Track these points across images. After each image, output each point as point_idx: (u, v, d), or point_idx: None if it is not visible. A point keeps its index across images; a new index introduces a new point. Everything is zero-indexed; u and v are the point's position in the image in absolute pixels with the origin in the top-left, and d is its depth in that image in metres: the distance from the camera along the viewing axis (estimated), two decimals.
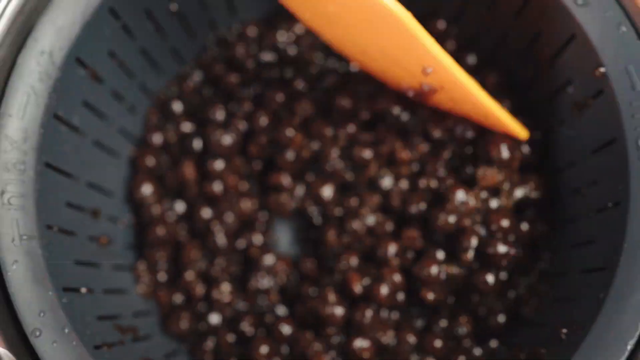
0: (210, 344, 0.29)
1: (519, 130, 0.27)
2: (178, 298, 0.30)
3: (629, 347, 0.20)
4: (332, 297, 0.28)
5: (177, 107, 0.31)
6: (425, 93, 0.27)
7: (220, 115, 0.31)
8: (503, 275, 0.28)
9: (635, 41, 0.23)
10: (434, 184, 0.28)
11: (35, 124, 0.23)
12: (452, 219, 0.27)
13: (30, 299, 0.22)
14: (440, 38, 0.31)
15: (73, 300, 0.23)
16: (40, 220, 0.23)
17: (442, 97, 0.27)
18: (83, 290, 0.24)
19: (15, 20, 0.23)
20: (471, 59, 0.30)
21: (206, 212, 0.30)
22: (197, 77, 0.31)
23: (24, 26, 0.23)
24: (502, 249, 0.27)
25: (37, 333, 0.21)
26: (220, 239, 0.30)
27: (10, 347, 0.20)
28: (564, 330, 0.23)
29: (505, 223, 0.27)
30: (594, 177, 0.25)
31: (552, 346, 0.23)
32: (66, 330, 0.22)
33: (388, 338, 0.28)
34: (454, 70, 0.25)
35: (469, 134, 0.28)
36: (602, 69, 0.24)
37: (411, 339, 0.28)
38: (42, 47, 0.23)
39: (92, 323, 0.23)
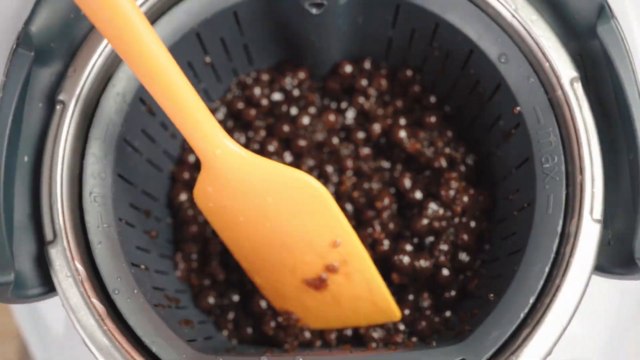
0: (230, 315, 0.38)
1: (395, 310, 0.35)
2: (206, 281, 0.39)
3: (531, 301, 0.29)
4: None
5: None
6: (324, 277, 0.33)
7: (240, 139, 0.40)
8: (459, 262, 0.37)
9: (539, 88, 0.32)
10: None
11: (112, 145, 0.32)
12: (425, 221, 0.36)
13: (110, 268, 0.30)
14: (409, 83, 0.40)
15: (137, 272, 0.31)
16: (114, 214, 0.31)
17: (339, 278, 0.33)
18: (142, 267, 0.33)
19: (100, 71, 0.32)
20: (432, 99, 0.39)
21: None
22: (222, 111, 0.41)
23: (106, 75, 0.32)
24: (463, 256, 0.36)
25: (117, 292, 0.30)
26: None
27: (100, 301, 0.29)
28: (491, 295, 0.31)
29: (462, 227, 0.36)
30: (517, 187, 0.34)
31: (483, 307, 0.32)
32: (135, 291, 0.30)
33: None
34: (357, 242, 0.32)
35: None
36: (518, 108, 0.33)
37: None
38: (117, 90, 0.32)
39: (150, 290, 0.32)
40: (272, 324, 0.36)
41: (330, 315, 0.34)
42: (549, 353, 0.28)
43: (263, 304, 0.37)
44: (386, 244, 0.37)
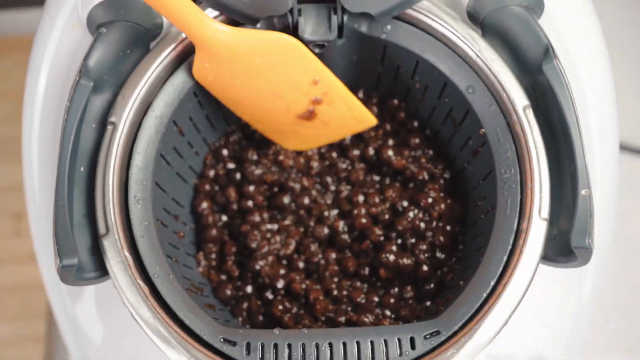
0: (244, 305, 0.45)
1: (371, 117, 0.43)
2: (223, 276, 0.46)
3: (492, 284, 0.35)
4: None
5: (225, 152, 0.47)
6: (312, 108, 0.41)
7: (253, 156, 0.47)
8: (435, 262, 0.44)
9: (499, 114, 0.39)
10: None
11: (151, 158, 0.39)
12: (406, 222, 0.43)
13: (150, 257, 0.36)
14: (395, 110, 0.47)
15: (171, 262, 0.38)
16: (153, 214, 0.38)
17: (324, 107, 0.41)
18: (174, 259, 0.40)
19: (143, 99, 0.39)
20: (415, 123, 0.46)
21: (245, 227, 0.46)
22: (238, 133, 0.48)
23: (147, 102, 0.39)
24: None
25: (156, 276, 0.36)
26: (252, 241, 0.46)
27: (144, 282, 0.36)
28: (461, 282, 0.38)
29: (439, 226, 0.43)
30: (483, 195, 0.41)
31: (455, 293, 0.38)
32: (171, 276, 0.37)
33: (360, 298, 0.43)
34: (331, 76, 0.40)
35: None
36: (483, 130, 0.40)
37: (375, 298, 0.43)
38: (156, 114, 0.39)
39: (180, 278, 0.38)
40: (280, 307, 0.43)
41: (323, 135, 0.44)
42: (505, 323, 0.34)
43: (270, 295, 0.44)
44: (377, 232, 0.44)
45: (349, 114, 0.42)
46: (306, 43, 0.40)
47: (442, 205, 0.43)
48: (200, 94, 0.41)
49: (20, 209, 0.73)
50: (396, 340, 0.34)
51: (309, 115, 0.42)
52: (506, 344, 0.44)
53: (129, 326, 0.42)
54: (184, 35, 0.39)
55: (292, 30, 0.40)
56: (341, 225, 0.45)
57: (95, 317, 0.46)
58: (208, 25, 0.36)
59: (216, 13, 0.40)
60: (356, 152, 0.46)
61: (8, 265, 0.71)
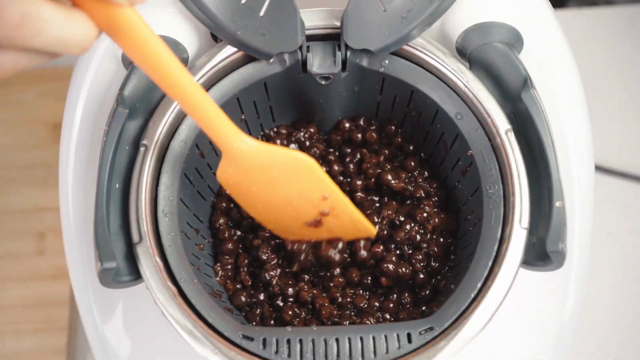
0: (257, 311, 0.49)
1: (371, 228, 0.46)
2: (238, 285, 0.50)
3: (479, 285, 0.40)
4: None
5: None
6: (319, 219, 0.44)
7: None
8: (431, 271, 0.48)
9: (484, 137, 0.44)
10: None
11: (177, 177, 0.44)
12: (403, 233, 0.48)
13: (177, 263, 0.41)
14: (393, 135, 0.52)
15: (194, 270, 0.43)
16: (179, 227, 0.43)
17: (330, 218, 0.44)
18: (197, 267, 0.44)
19: (171, 124, 0.44)
20: (411, 147, 0.51)
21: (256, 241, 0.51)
22: None
23: (174, 127, 0.44)
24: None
25: (182, 280, 0.41)
26: (263, 254, 0.50)
27: (173, 284, 0.40)
28: (452, 286, 0.43)
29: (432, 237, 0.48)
30: (472, 209, 0.45)
31: (447, 295, 0.43)
32: (195, 281, 0.41)
33: (363, 304, 0.48)
34: (339, 194, 0.43)
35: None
36: (470, 152, 0.45)
37: (376, 303, 0.48)
38: (181, 138, 0.44)
39: (202, 283, 0.43)
40: (290, 312, 0.47)
41: (327, 237, 0.47)
42: (490, 319, 0.39)
43: (280, 302, 0.48)
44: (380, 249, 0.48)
45: (352, 225, 0.46)
46: (314, 75, 0.46)
47: (436, 220, 0.48)
48: None
49: (43, 230, 0.78)
50: (395, 335, 0.39)
51: (316, 224, 0.46)
52: (493, 355, 0.48)
53: (154, 341, 0.47)
54: (207, 69, 0.44)
55: (302, 64, 0.45)
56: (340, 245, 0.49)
57: (122, 332, 0.50)
58: (236, 137, 0.40)
59: (233, 50, 0.45)
60: (359, 182, 0.51)
61: (30, 282, 0.76)
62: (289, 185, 0.43)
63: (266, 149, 0.42)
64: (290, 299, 0.49)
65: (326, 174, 0.44)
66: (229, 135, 0.40)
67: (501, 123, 0.43)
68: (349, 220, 0.46)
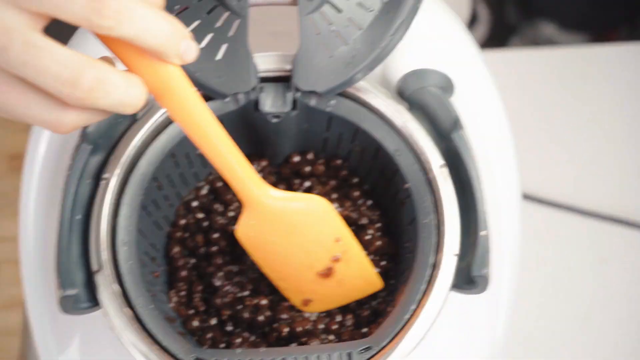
0: (210, 335, 0.52)
1: (379, 281, 0.48)
2: (191, 311, 0.53)
3: (412, 308, 0.43)
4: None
5: (195, 204, 0.55)
6: (331, 266, 0.46)
7: (218, 208, 0.55)
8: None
9: (420, 171, 0.47)
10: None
11: (135, 209, 0.46)
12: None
13: (134, 290, 0.43)
14: (339, 169, 0.56)
15: (150, 296, 0.45)
16: (136, 256, 0.45)
17: (341, 265, 0.46)
18: (152, 294, 0.47)
19: (131, 159, 0.47)
20: (355, 179, 0.55)
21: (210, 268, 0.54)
22: (206, 188, 0.56)
23: (133, 161, 0.47)
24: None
25: (138, 305, 0.43)
26: (216, 280, 0.53)
27: (129, 309, 0.43)
28: (389, 309, 0.47)
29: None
30: (409, 237, 0.49)
31: (385, 317, 0.47)
32: (150, 306, 0.43)
33: (309, 326, 0.51)
34: (350, 236, 0.45)
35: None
36: (407, 185, 0.49)
37: (321, 325, 0.51)
38: (140, 172, 0.47)
39: (157, 309, 0.46)
40: (239, 339, 0.50)
41: (335, 296, 0.48)
42: (423, 337, 0.43)
43: (230, 327, 0.51)
44: None
45: (360, 274, 0.48)
46: (266, 114, 0.50)
47: (379, 242, 0.52)
48: (178, 155, 0.50)
49: None
50: (337, 354, 0.43)
51: (328, 273, 0.47)
52: None
53: None
54: (164, 110, 0.48)
55: (255, 104, 0.49)
56: None
57: None
58: (262, 191, 0.41)
59: None
60: None
61: None
62: (307, 229, 0.44)
63: (291, 197, 0.44)
64: (242, 325, 0.52)
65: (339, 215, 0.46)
66: (254, 189, 0.42)
67: (435, 159, 0.48)
68: (359, 267, 0.48)
